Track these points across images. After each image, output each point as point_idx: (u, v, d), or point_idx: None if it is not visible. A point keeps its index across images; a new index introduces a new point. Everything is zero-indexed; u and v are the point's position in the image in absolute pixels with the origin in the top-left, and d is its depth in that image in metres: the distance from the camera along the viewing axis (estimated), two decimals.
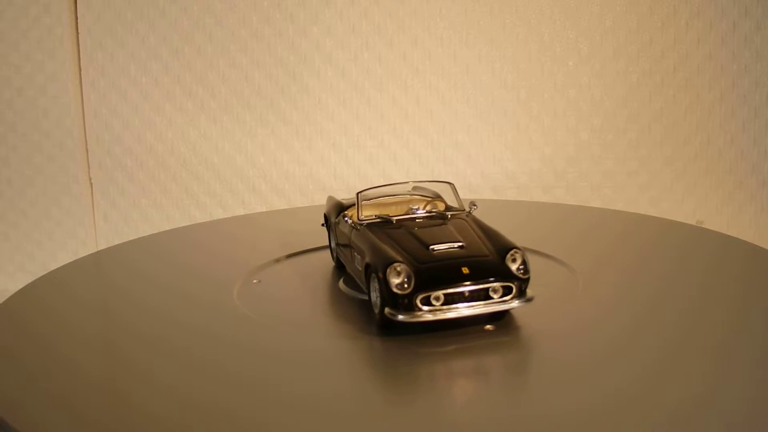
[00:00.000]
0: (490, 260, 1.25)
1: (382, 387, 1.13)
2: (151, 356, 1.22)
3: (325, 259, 1.67)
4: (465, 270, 1.23)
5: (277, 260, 1.73)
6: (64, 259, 2.91)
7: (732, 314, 1.34)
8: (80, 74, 3.16)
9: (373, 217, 1.42)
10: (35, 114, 3.16)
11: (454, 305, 1.22)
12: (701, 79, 2.98)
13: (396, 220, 1.40)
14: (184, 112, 3.15)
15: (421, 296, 1.20)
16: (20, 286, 1.59)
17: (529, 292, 1.26)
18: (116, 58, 3.14)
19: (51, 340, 1.30)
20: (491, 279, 1.23)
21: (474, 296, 1.23)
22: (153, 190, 3.21)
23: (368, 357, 1.22)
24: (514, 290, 1.24)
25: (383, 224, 1.39)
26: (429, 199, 1.55)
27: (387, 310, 1.21)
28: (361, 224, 1.40)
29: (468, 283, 1.22)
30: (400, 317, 1.20)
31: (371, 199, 1.52)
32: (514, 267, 1.24)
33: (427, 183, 1.61)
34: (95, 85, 3.17)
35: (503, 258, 1.25)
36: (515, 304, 1.24)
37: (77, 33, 3.14)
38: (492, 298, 1.23)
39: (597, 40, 2.98)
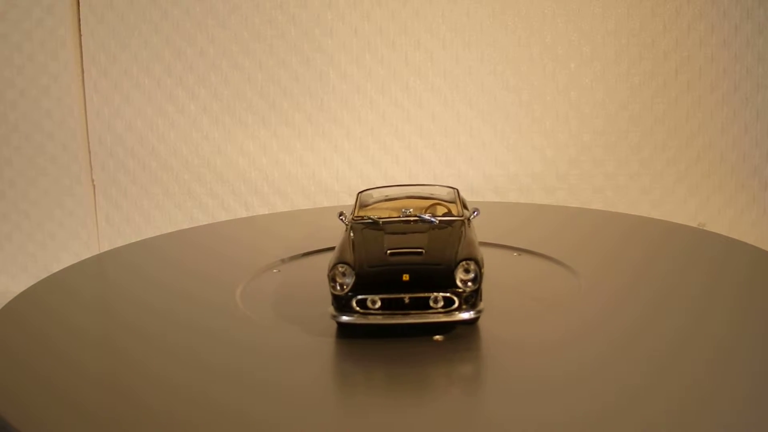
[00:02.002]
0: (436, 269, 1.22)
1: (381, 387, 1.13)
2: (154, 356, 1.22)
3: (328, 261, 1.67)
4: (405, 277, 1.20)
5: (281, 261, 1.73)
6: (66, 260, 2.92)
7: (734, 317, 1.34)
8: (83, 76, 3.17)
9: (364, 217, 1.43)
10: (38, 115, 3.17)
11: (393, 312, 1.21)
12: (703, 82, 2.97)
13: (383, 221, 1.40)
14: (187, 113, 3.15)
15: (357, 299, 1.21)
16: (22, 287, 1.59)
17: (482, 305, 1.22)
18: (119, 60, 3.15)
19: (55, 341, 1.30)
20: (432, 289, 1.20)
21: (414, 305, 1.21)
22: (155, 191, 3.21)
23: (367, 356, 1.21)
24: (456, 302, 1.20)
25: (369, 225, 1.40)
26: (433, 202, 1.54)
27: (330, 309, 1.24)
28: (352, 223, 1.42)
29: (409, 290, 1.20)
30: (336, 317, 1.23)
31: (380, 201, 1.54)
32: (461, 279, 1.20)
33: (430, 187, 1.61)
34: (98, 86, 3.17)
35: (455, 268, 1.21)
36: (456, 316, 1.20)
37: (80, 35, 3.14)
38: (432, 308, 1.20)
39: (599, 42, 2.98)
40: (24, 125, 3.18)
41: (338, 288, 1.22)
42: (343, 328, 1.27)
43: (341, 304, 1.23)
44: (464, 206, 1.57)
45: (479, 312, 1.22)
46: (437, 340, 1.22)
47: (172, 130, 3.17)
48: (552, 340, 1.24)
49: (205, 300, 1.49)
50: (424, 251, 1.26)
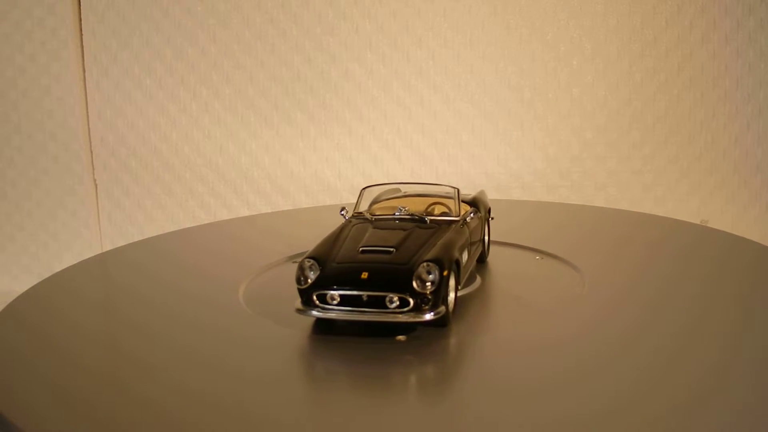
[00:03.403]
0: (395, 269, 1.22)
1: (382, 385, 1.13)
2: (157, 354, 1.22)
3: None
4: (364, 275, 1.21)
5: (283, 260, 1.73)
6: (68, 260, 2.91)
7: (737, 314, 1.34)
8: (84, 75, 3.17)
9: (362, 213, 1.45)
10: (40, 115, 3.17)
11: (351, 309, 1.22)
12: (705, 78, 2.97)
13: (375, 218, 1.42)
14: (189, 113, 3.15)
15: (316, 293, 1.24)
16: (25, 287, 1.59)
17: (443, 308, 1.22)
18: (120, 60, 3.15)
19: (57, 340, 1.30)
20: (389, 288, 1.20)
21: (372, 303, 1.21)
22: (157, 191, 3.21)
23: (367, 355, 1.22)
24: (411, 304, 1.20)
25: (362, 221, 1.42)
26: (433, 201, 1.55)
27: (296, 302, 1.27)
28: (350, 219, 1.44)
29: (367, 288, 1.21)
30: (300, 311, 1.25)
31: (386, 199, 1.56)
32: (421, 280, 1.20)
33: (431, 187, 1.61)
34: (99, 86, 3.17)
35: (414, 270, 1.21)
36: (411, 317, 1.20)
37: (81, 34, 3.15)
38: (388, 308, 1.21)
39: (601, 39, 2.98)
40: (26, 125, 3.18)
41: (301, 282, 1.25)
42: (344, 328, 1.28)
43: (304, 297, 1.25)
44: (474, 206, 1.57)
45: (438, 314, 1.21)
46: (400, 340, 1.22)
47: (173, 130, 3.17)
48: (554, 338, 1.24)
49: (208, 299, 1.49)
50: (394, 250, 1.27)
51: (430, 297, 1.20)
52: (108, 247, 3.17)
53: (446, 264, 1.23)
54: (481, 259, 1.64)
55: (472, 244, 1.45)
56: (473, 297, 1.46)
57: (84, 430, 0.99)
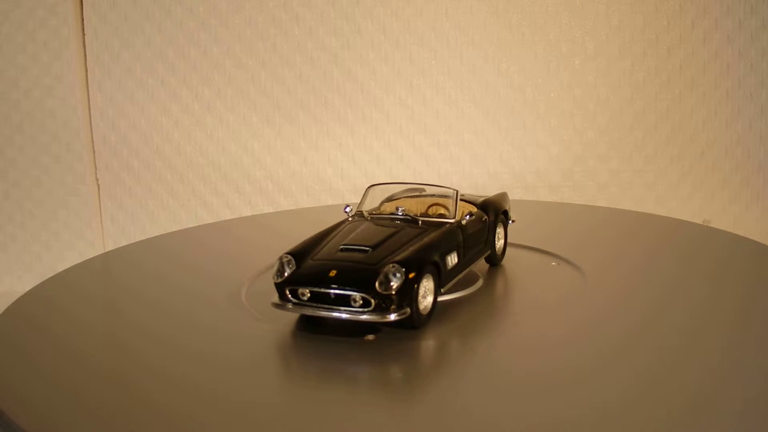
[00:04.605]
0: (361, 269, 1.24)
1: (379, 385, 1.13)
2: (160, 353, 1.22)
3: None
4: (332, 273, 1.24)
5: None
6: (71, 260, 2.92)
7: (739, 314, 1.34)
8: (86, 75, 3.17)
9: (361, 212, 1.48)
10: (42, 115, 3.17)
11: (321, 305, 1.25)
12: (707, 78, 2.97)
13: (371, 216, 1.45)
14: (191, 112, 3.15)
15: (289, 289, 1.27)
16: (27, 287, 1.60)
17: (408, 309, 1.22)
18: (122, 60, 3.15)
19: (60, 340, 1.30)
20: (352, 287, 1.22)
21: (339, 301, 1.24)
22: (160, 191, 3.21)
23: (368, 355, 1.22)
24: (372, 304, 1.21)
25: (359, 220, 1.45)
26: (432, 202, 1.55)
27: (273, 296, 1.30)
28: (351, 217, 1.47)
29: (335, 286, 1.23)
30: (275, 305, 1.29)
31: (393, 199, 1.57)
32: (386, 281, 1.21)
33: (431, 188, 1.61)
34: (101, 86, 3.18)
35: (379, 270, 1.22)
36: (372, 317, 1.21)
37: (83, 34, 3.15)
38: (352, 306, 1.23)
39: (603, 38, 2.98)
40: (28, 126, 3.18)
41: (276, 276, 1.28)
42: (347, 326, 1.28)
43: (279, 292, 1.29)
44: (484, 208, 1.56)
45: (403, 315, 1.21)
46: (369, 340, 1.23)
47: (176, 130, 3.17)
48: (555, 338, 1.24)
49: (210, 298, 1.49)
50: (370, 250, 1.29)
51: (394, 298, 1.21)
52: (110, 247, 3.17)
53: (415, 266, 1.23)
54: (492, 262, 1.63)
55: (468, 247, 1.44)
56: (474, 297, 1.46)
57: (88, 429, 0.99)
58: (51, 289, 1.61)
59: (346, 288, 1.23)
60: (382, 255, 1.27)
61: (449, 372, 1.16)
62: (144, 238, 2.17)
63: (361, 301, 1.22)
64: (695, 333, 1.24)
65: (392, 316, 1.20)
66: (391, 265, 1.22)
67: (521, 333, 1.29)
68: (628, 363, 1.13)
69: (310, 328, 1.30)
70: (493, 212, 1.58)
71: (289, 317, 1.34)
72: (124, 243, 2.96)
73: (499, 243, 1.64)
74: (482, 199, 1.61)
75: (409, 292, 1.22)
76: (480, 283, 1.52)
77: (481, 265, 1.59)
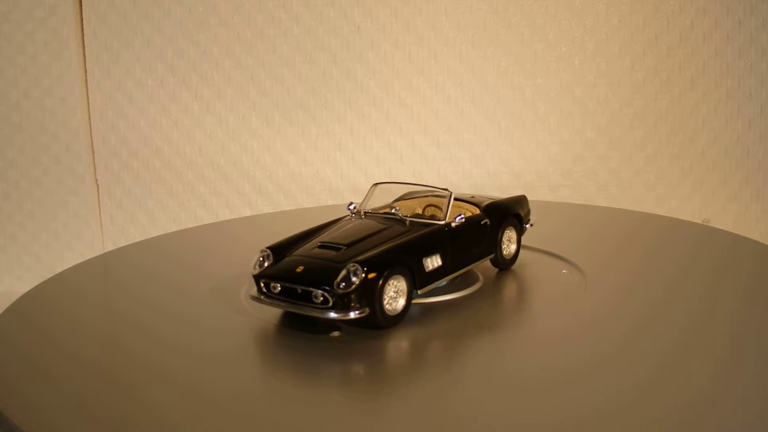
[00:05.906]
0: (324, 266, 1.27)
1: (381, 385, 1.13)
2: (160, 353, 1.22)
3: None
4: (299, 269, 1.28)
5: None
6: (70, 260, 2.92)
7: (739, 312, 1.34)
8: (86, 76, 3.17)
9: (359, 209, 1.51)
10: (41, 116, 3.17)
11: (289, 300, 1.29)
12: (707, 77, 2.97)
13: (365, 215, 1.48)
14: (190, 113, 3.15)
15: (263, 282, 1.32)
16: (27, 287, 1.60)
17: (368, 309, 1.24)
18: (122, 60, 3.15)
19: (60, 340, 1.30)
20: (314, 284, 1.25)
21: (304, 297, 1.27)
22: (159, 191, 3.21)
23: (369, 355, 1.22)
24: (330, 301, 1.23)
25: (355, 217, 1.48)
26: (427, 204, 1.56)
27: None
28: (353, 213, 1.50)
29: (300, 282, 1.27)
30: (251, 297, 1.34)
31: (407, 197, 1.60)
32: (345, 280, 1.22)
33: (425, 189, 1.60)
34: (101, 86, 3.17)
35: (341, 269, 1.24)
36: (329, 314, 1.23)
37: (83, 35, 3.15)
38: (314, 302, 1.25)
39: (603, 38, 2.98)
40: (27, 126, 3.18)
41: (254, 268, 1.33)
42: (350, 326, 1.28)
43: (256, 285, 1.34)
44: (488, 212, 1.54)
45: (362, 314, 1.23)
46: (334, 337, 1.26)
47: (175, 130, 3.17)
48: (555, 337, 1.24)
49: (209, 298, 1.49)
50: (344, 248, 1.31)
51: (352, 297, 1.22)
52: (110, 248, 3.17)
53: (377, 267, 1.24)
54: (499, 266, 1.60)
55: (459, 249, 1.43)
56: (474, 297, 1.46)
57: (87, 428, 0.99)
58: (51, 289, 1.61)
59: (309, 285, 1.25)
60: (352, 254, 1.29)
61: (448, 372, 1.16)
62: (143, 238, 2.17)
63: (322, 298, 1.24)
64: (695, 332, 1.24)
65: (353, 314, 1.22)
66: (351, 264, 1.24)
67: (521, 332, 1.29)
68: (628, 362, 1.13)
69: (311, 328, 1.30)
70: (497, 215, 1.55)
71: (286, 318, 1.34)
72: (123, 243, 2.96)
73: (510, 247, 1.60)
74: (488, 201, 1.58)
75: (369, 292, 1.23)
76: (480, 283, 1.52)
77: (483, 266, 1.58)
